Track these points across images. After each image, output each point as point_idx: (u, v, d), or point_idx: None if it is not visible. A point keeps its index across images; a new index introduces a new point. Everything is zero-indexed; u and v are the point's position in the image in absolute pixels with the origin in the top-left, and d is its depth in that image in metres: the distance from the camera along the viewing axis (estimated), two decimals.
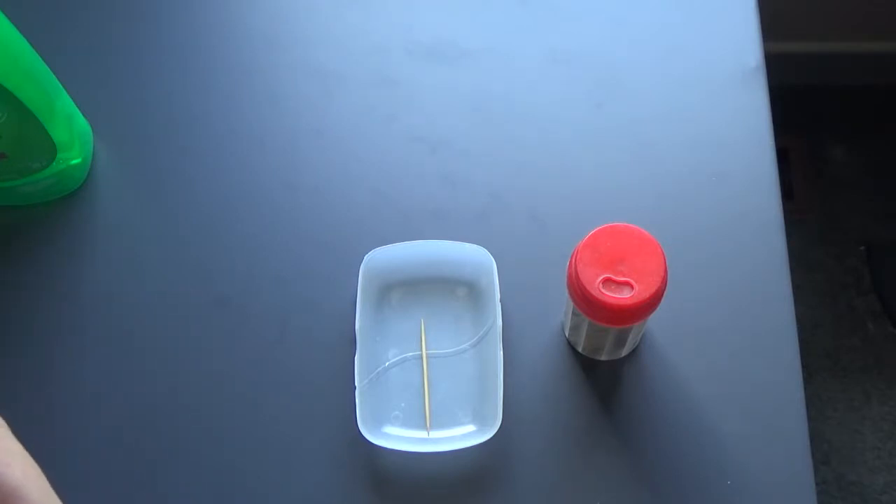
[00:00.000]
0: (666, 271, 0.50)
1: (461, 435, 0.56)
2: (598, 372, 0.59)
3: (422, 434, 0.57)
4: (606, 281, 0.50)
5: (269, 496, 0.57)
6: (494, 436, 0.55)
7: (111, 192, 0.66)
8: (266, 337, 0.61)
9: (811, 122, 1.49)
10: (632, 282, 0.50)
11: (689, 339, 0.60)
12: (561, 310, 0.59)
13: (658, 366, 0.59)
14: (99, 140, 0.67)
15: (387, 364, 0.59)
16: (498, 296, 0.58)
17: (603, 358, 0.59)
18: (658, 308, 0.51)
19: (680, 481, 0.56)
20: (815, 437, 1.26)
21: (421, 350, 0.59)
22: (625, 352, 0.58)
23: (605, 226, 0.51)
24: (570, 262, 0.52)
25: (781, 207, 0.63)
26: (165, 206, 0.65)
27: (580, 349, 0.59)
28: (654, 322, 0.59)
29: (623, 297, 0.49)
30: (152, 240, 0.64)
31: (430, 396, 0.58)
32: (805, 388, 0.58)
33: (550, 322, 0.60)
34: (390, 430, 0.57)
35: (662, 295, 0.51)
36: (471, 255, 0.60)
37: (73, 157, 0.64)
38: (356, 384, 0.56)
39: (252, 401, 0.59)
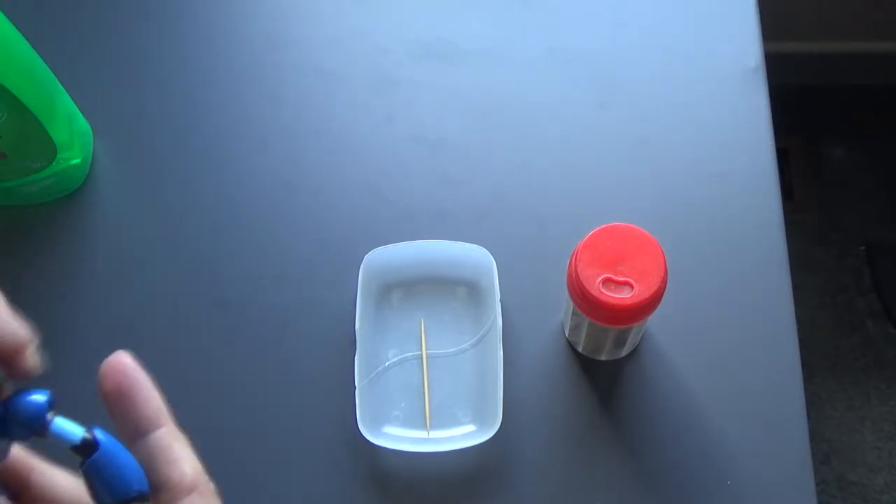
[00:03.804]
0: (666, 271, 0.50)
1: (461, 435, 0.56)
2: (598, 372, 0.59)
3: (422, 434, 0.57)
4: (606, 281, 0.50)
5: (269, 496, 0.57)
6: (494, 436, 0.55)
7: (111, 192, 0.66)
8: (266, 337, 0.61)
9: (811, 122, 1.49)
10: (632, 282, 0.50)
11: (689, 340, 0.60)
12: (561, 310, 0.59)
13: (658, 366, 0.59)
14: (99, 140, 0.67)
15: (387, 364, 0.59)
16: (498, 296, 0.58)
17: (603, 358, 0.59)
18: (658, 308, 0.51)
19: (680, 481, 0.56)
20: (815, 437, 1.26)
21: (421, 350, 0.59)
22: (625, 352, 0.58)
23: (605, 226, 0.51)
24: (570, 262, 0.52)
25: (781, 207, 0.63)
26: (165, 206, 0.65)
27: (580, 349, 0.59)
28: (654, 322, 0.59)
29: (623, 297, 0.49)
30: (152, 240, 0.64)
31: (430, 396, 0.58)
32: (805, 388, 0.58)
33: (550, 322, 0.60)
34: (390, 430, 0.57)
35: (662, 295, 0.51)
36: (471, 255, 0.60)
37: (73, 157, 0.64)
38: (356, 384, 0.56)
39: (252, 401, 0.59)
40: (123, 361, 0.33)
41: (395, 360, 0.59)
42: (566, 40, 0.69)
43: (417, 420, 0.57)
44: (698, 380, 0.58)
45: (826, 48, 1.46)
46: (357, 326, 0.58)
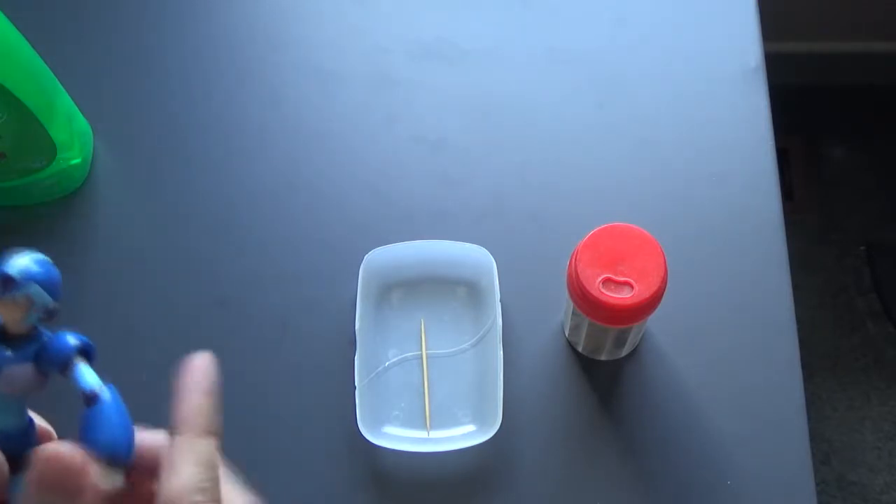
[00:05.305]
0: (666, 271, 0.50)
1: (461, 435, 0.56)
2: (598, 372, 0.59)
3: (422, 434, 0.57)
4: (606, 281, 0.50)
5: (268, 496, 0.57)
6: (494, 436, 0.55)
7: (111, 192, 0.66)
8: (266, 337, 0.61)
9: (811, 122, 1.49)
10: (632, 282, 0.50)
11: (690, 340, 0.60)
12: (561, 310, 0.59)
13: (658, 366, 0.59)
14: (99, 140, 0.67)
15: (387, 364, 0.59)
16: (498, 296, 0.58)
17: (603, 358, 0.59)
18: (658, 308, 0.51)
19: (680, 481, 0.56)
20: (815, 437, 1.26)
21: (421, 350, 0.59)
22: (625, 352, 0.58)
23: (605, 226, 0.51)
24: (570, 262, 0.52)
25: (781, 207, 0.63)
26: (165, 206, 0.65)
27: (580, 349, 0.59)
28: (654, 322, 0.59)
29: (623, 297, 0.49)
30: (152, 240, 0.64)
31: (430, 396, 0.58)
32: (805, 388, 0.58)
33: (550, 322, 0.60)
34: (390, 429, 0.57)
35: (662, 295, 0.51)
36: (471, 255, 0.60)
37: (73, 157, 0.64)
38: (356, 384, 0.56)
39: (252, 401, 0.59)
40: (189, 363, 0.35)
41: (395, 360, 0.59)
42: (566, 40, 0.69)
43: (417, 420, 0.57)
44: (698, 380, 0.58)
45: (826, 48, 1.46)
46: (357, 326, 0.58)
